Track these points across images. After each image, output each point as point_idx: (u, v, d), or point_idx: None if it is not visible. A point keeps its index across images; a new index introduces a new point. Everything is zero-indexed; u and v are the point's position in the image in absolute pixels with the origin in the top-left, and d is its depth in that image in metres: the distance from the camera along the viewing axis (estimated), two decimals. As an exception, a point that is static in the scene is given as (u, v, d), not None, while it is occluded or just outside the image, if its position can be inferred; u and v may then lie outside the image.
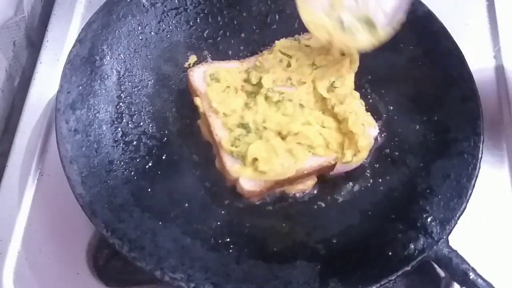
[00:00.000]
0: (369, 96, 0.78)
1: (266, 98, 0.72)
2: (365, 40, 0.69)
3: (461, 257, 0.62)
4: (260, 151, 0.68)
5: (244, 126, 0.70)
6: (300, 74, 0.74)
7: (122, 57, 0.75)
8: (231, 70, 0.75)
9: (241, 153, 0.69)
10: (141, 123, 0.75)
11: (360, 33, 0.68)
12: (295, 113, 0.71)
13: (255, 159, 0.68)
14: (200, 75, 0.75)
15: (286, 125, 0.70)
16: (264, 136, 0.69)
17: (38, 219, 0.74)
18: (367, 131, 0.71)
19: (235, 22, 0.83)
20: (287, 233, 0.69)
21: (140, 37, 0.77)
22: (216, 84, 0.73)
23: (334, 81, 0.73)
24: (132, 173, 0.70)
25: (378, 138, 0.75)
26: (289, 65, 0.75)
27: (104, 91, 0.73)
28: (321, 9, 0.68)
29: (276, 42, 0.77)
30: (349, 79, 0.74)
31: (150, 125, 0.75)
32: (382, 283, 0.60)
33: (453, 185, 0.66)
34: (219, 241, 0.67)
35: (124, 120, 0.73)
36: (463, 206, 0.64)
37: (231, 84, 0.74)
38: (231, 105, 0.72)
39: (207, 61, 0.80)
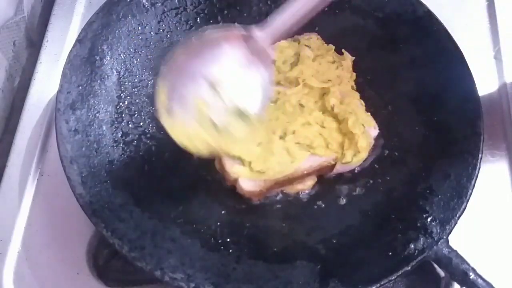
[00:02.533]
0: (369, 96, 0.78)
1: None
2: (242, 133, 0.65)
3: (461, 257, 0.62)
4: (249, 149, 0.68)
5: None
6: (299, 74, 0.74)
7: (122, 57, 0.75)
8: None
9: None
10: (141, 123, 0.75)
11: (235, 128, 0.65)
12: (294, 113, 0.71)
13: (250, 161, 0.68)
14: (200, 75, 0.75)
15: (285, 124, 0.70)
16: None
17: (38, 219, 0.74)
18: (367, 131, 0.71)
19: (235, 22, 0.83)
20: (287, 233, 0.69)
21: (140, 37, 0.77)
22: None
23: None
24: (132, 173, 0.70)
25: (378, 138, 0.75)
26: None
27: (104, 91, 0.73)
28: (191, 119, 0.64)
29: (276, 43, 0.77)
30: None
31: (150, 125, 0.75)
32: (382, 283, 0.60)
33: (453, 185, 0.66)
34: (219, 241, 0.67)
35: (124, 120, 0.73)
36: (463, 206, 0.64)
37: None
38: None
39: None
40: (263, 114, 0.65)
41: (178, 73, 0.65)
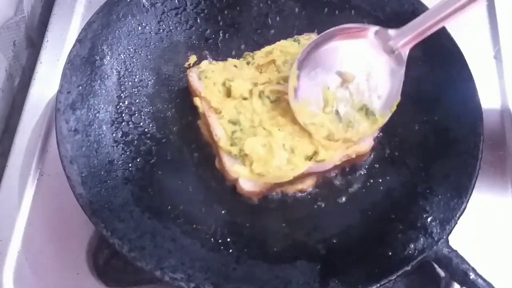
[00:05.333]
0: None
1: (260, 96, 0.72)
2: (365, 129, 0.70)
3: (461, 257, 0.62)
4: (257, 147, 0.68)
5: (239, 123, 0.71)
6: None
7: (122, 57, 0.75)
8: (215, 67, 0.76)
9: (239, 153, 0.69)
10: (141, 123, 0.75)
11: (358, 122, 0.70)
12: (290, 113, 0.71)
13: (251, 161, 0.68)
14: (200, 75, 0.75)
15: (283, 125, 0.70)
16: (259, 133, 0.69)
17: (38, 219, 0.74)
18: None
19: (235, 22, 0.83)
20: (287, 233, 0.69)
21: (140, 37, 0.77)
22: (211, 83, 0.73)
23: None
24: (132, 173, 0.70)
25: (378, 138, 0.75)
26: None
27: (104, 91, 0.73)
28: (317, 107, 0.70)
29: (277, 43, 0.78)
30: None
31: (150, 125, 0.75)
32: (382, 283, 0.60)
33: (453, 185, 0.66)
34: (219, 241, 0.67)
35: (124, 120, 0.73)
36: (463, 206, 0.64)
37: (217, 80, 0.74)
38: (228, 104, 0.72)
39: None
40: (388, 111, 0.69)
41: (314, 62, 0.69)
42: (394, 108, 0.71)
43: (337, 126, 0.69)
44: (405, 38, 0.69)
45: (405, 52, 0.70)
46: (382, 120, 0.70)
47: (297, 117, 0.69)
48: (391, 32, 0.70)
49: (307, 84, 0.69)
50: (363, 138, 0.71)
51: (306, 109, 0.69)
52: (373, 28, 0.71)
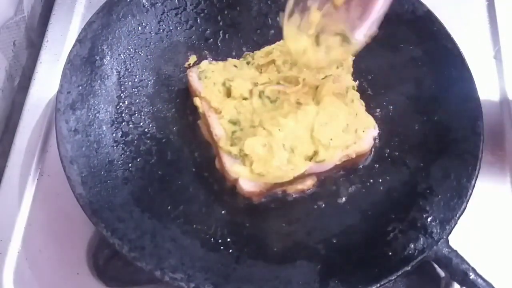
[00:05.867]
0: (369, 96, 0.78)
1: (260, 96, 0.72)
2: (337, 55, 0.70)
3: (461, 257, 0.62)
4: (257, 147, 0.68)
5: (239, 123, 0.71)
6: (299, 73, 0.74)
7: (122, 57, 0.75)
8: (215, 67, 0.76)
9: (239, 153, 0.69)
10: (141, 123, 0.75)
11: (333, 48, 0.69)
12: (291, 113, 0.71)
13: (252, 161, 0.68)
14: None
15: (284, 125, 0.70)
16: (259, 133, 0.69)
17: (38, 219, 0.74)
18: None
19: (235, 22, 0.83)
20: (287, 233, 0.69)
21: (140, 37, 0.77)
22: (211, 83, 0.73)
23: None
24: (132, 173, 0.70)
25: (378, 138, 0.75)
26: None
27: (104, 91, 0.73)
28: (300, 26, 0.69)
29: (277, 43, 0.78)
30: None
31: (150, 125, 0.75)
32: (382, 283, 0.60)
33: (453, 185, 0.66)
34: (219, 241, 0.67)
35: (124, 120, 0.73)
36: (463, 206, 0.64)
37: (217, 80, 0.74)
38: (228, 104, 0.72)
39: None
40: (363, 41, 0.68)
41: None
42: (369, 40, 0.69)
43: (314, 51, 0.69)
44: None
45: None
46: (355, 48, 0.69)
47: (285, 41, 0.69)
48: None
49: (302, 6, 0.69)
50: (334, 64, 0.73)
51: (293, 31, 0.69)
52: None
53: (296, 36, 0.69)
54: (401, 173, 0.72)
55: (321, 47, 0.70)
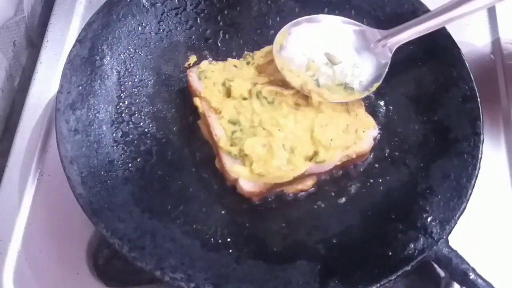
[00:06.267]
0: (369, 97, 0.77)
1: (258, 96, 0.72)
2: (339, 97, 0.72)
3: (461, 257, 0.62)
4: (257, 147, 0.68)
5: (239, 123, 0.71)
6: None
7: (122, 57, 0.76)
8: (215, 67, 0.76)
9: (239, 153, 0.69)
10: (141, 123, 0.75)
11: (335, 92, 0.72)
12: (291, 113, 0.71)
13: (251, 162, 0.68)
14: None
15: (283, 125, 0.70)
16: (259, 133, 0.69)
17: (38, 219, 0.74)
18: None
19: (235, 22, 0.83)
20: (287, 233, 0.69)
21: (140, 37, 0.77)
22: (211, 83, 0.73)
23: None
24: (132, 173, 0.70)
25: (378, 138, 0.75)
26: None
27: (104, 91, 0.73)
28: (298, 67, 0.72)
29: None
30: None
31: (150, 125, 0.75)
32: (382, 283, 0.60)
33: (453, 185, 0.66)
34: (219, 241, 0.67)
35: (124, 120, 0.73)
36: (463, 206, 0.64)
37: (217, 80, 0.74)
38: (228, 105, 0.72)
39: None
40: (367, 91, 0.72)
41: (305, 35, 0.73)
42: (374, 89, 0.72)
43: (312, 83, 0.71)
44: (393, 38, 0.72)
45: (393, 48, 0.73)
46: (359, 95, 0.72)
47: (277, 64, 0.71)
48: (382, 32, 0.73)
49: (294, 49, 0.72)
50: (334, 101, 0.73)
51: (288, 65, 0.71)
52: (367, 28, 0.74)
53: (291, 68, 0.72)
54: (401, 173, 0.72)
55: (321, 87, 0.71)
